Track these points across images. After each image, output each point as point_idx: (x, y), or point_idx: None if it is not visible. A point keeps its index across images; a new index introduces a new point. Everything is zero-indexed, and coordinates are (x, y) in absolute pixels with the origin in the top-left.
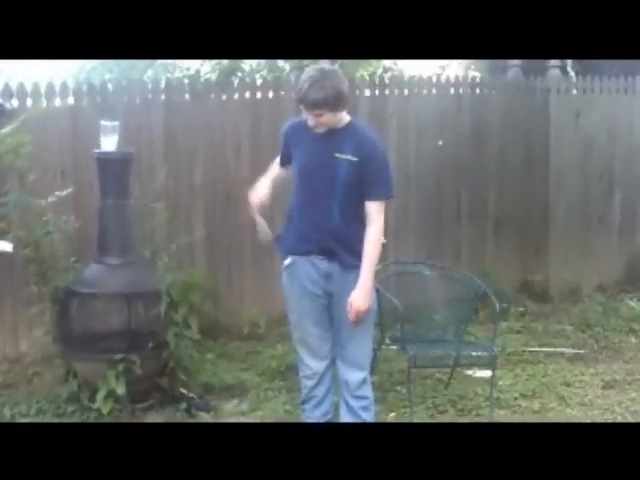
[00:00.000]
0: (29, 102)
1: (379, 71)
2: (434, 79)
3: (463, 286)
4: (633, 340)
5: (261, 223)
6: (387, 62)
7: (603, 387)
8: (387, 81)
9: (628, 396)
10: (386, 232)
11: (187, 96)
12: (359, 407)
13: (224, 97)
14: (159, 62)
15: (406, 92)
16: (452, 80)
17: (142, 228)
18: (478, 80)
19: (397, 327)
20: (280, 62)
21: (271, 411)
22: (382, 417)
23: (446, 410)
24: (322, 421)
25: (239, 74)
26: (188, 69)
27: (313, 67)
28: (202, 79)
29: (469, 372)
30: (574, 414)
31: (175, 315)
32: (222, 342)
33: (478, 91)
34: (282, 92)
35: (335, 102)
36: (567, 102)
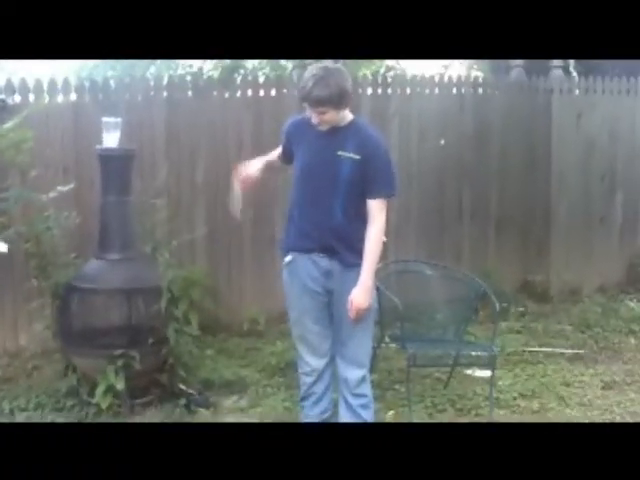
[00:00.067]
0: (31, 98)
1: (382, 70)
2: (437, 78)
3: (464, 286)
4: (632, 341)
5: (237, 193)
6: (390, 61)
7: (602, 388)
8: (389, 80)
9: (627, 397)
10: (387, 231)
11: (189, 93)
12: (358, 405)
13: (226, 95)
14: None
15: (408, 91)
16: (454, 80)
17: (143, 224)
18: (480, 80)
19: (397, 326)
20: (282, 60)
21: (270, 408)
22: (381, 415)
23: (445, 409)
24: (321, 418)
25: (241, 72)
26: (191, 66)
27: (317, 65)
28: (204, 76)
29: (469, 372)
30: (573, 414)
31: (175, 311)
32: (222, 338)
33: (480, 91)
34: (284, 90)
35: (339, 100)
36: (569, 102)
